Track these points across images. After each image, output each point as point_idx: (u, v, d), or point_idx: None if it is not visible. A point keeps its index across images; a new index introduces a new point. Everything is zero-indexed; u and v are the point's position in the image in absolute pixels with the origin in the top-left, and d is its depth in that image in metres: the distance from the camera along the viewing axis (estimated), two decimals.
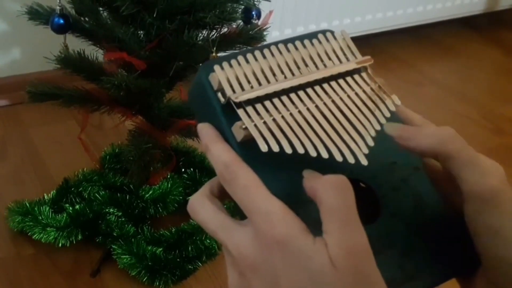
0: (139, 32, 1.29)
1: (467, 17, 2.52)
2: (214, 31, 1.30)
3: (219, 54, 1.28)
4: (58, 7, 1.25)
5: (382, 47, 2.38)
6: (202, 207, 0.50)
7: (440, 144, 0.50)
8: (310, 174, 0.48)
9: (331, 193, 0.44)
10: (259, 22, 1.35)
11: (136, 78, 1.25)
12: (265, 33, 1.34)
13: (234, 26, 1.32)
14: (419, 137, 0.51)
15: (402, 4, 2.28)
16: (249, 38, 1.33)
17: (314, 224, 0.45)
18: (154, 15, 1.23)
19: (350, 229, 0.44)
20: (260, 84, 0.50)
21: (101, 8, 1.28)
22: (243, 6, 1.32)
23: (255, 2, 1.34)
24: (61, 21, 1.25)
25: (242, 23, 1.34)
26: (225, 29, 1.31)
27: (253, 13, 1.34)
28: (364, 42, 2.22)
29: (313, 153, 0.48)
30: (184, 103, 1.42)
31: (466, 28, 2.61)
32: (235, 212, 0.49)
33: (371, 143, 0.50)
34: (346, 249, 0.43)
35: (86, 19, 1.30)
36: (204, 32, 1.30)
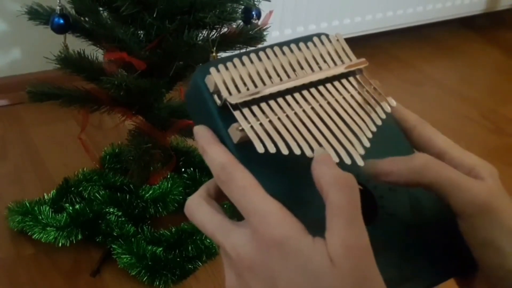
0: (139, 32, 1.29)
1: (467, 17, 2.52)
2: (214, 31, 1.30)
3: (219, 54, 1.28)
4: (58, 7, 1.25)
5: (382, 47, 2.38)
6: (199, 209, 0.50)
7: (417, 176, 0.50)
8: (321, 157, 0.47)
9: (338, 190, 0.45)
10: (259, 22, 1.35)
11: (136, 78, 1.25)
12: (265, 33, 1.34)
13: (234, 26, 1.32)
14: (395, 173, 0.51)
15: (402, 4, 2.27)
16: (249, 38, 1.33)
17: (311, 225, 0.45)
18: (154, 15, 1.23)
19: (353, 227, 0.44)
20: (256, 86, 0.51)
21: (101, 8, 1.28)
22: (243, 6, 1.32)
23: (255, 2, 1.34)
24: (61, 21, 1.25)
25: (242, 23, 1.34)
26: (225, 29, 1.31)
27: (253, 13, 1.34)
28: (364, 42, 2.22)
29: (310, 154, 0.48)
30: (184, 103, 1.42)
31: (466, 28, 2.61)
32: (233, 213, 0.49)
33: (367, 144, 0.50)
34: (347, 248, 0.43)
35: (86, 19, 1.29)
36: (204, 32, 1.30)
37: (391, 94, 0.54)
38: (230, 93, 0.50)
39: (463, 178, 0.50)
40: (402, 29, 2.36)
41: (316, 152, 0.48)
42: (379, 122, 0.52)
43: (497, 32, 2.63)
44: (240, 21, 1.32)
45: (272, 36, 1.84)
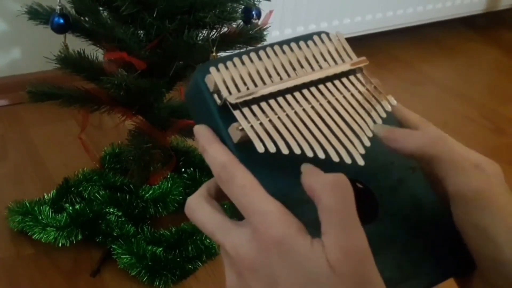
0: (139, 32, 1.29)
1: (467, 17, 2.52)
2: (214, 31, 1.30)
3: (219, 54, 1.28)
4: (58, 7, 1.25)
5: (382, 47, 2.38)
6: (199, 208, 0.50)
7: (425, 146, 0.51)
8: (308, 170, 0.48)
9: (330, 193, 0.44)
10: (259, 22, 1.35)
11: (136, 78, 1.25)
12: (265, 33, 1.34)
13: (234, 26, 1.32)
14: (405, 139, 0.52)
15: (402, 4, 2.27)
16: (249, 38, 1.33)
17: (311, 225, 0.45)
18: (154, 15, 1.23)
19: (349, 230, 0.44)
20: (256, 85, 0.51)
21: (101, 8, 1.28)
22: (243, 6, 1.32)
23: (255, 2, 1.34)
24: (61, 20, 1.25)
25: (242, 23, 1.34)
26: (225, 29, 1.31)
27: (253, 13, 1.34)
28: (364, 42, 2.22)
29: (310, 154, 0.48)
30: (184, 103, 1.42)
31: (466, 28, 2.61)
32: (233, 213, 0.49)
33: (367, 143, 0.50)
34: (344, 251, 0.43)
35: (86, 18, 1.30)
36: (204, 32, 1.30)
37: (391, 94, 0.54)
38: (230, 93, 0.50)
39: (472, 159, 0.51)
40: (402, 29, 2.36)
41: (303, 167, 0.48)
42: (379, 121, 0.52)
43: (497, 32, 2.63)
44: (240, 21, 1.32)
45: (272, 35, 1.84)
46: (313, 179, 0.46)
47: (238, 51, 1.18)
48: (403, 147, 0.52)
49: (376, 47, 2.35)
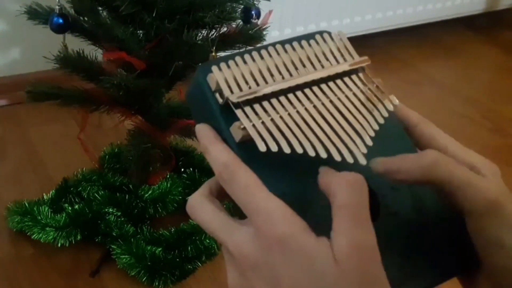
0: (138, 31, 1.29)
1: (467, 17, 2.52)
2: (214, 30, 1.30)
3: (218, 54, 1.28)
4: (57, 7, 1.25)
5: (382, 47, 2.38)
6: (201, 207, 0.50)
7: (427, 173, 0.50)
8: (326, 170, 0.48)
9: (347, 190, 0.45)
10: (259, 22, 1.35)
11: (136, 78, 1.25)
12: (264, 32, 1.34)
13: (233, 25, 1.32)
14: (404, 171, 0.50)
15: (402, 4, 2.28)
16: (249, 38, 1.33)
17: (314, 223, 0.45)
18: (154, 15, 1.23)
19: (361, 227, 0.44)
20: (258, 84, 0.50)
21: (100, 8, 1.28)
22: (242, 6, 1.32)
23: (255, 2, 1.34)
24: (60, 20, 1.25)
25: (241, 23, 1.34)
26: (225, 29, 1.31)
27: (253, 12, 1.34)
28: (364, 42, 2.22)
29: (312, 153, 0.48)
30: (183, 103, 1.42)
31: (466, 28, 2.61)
32: (234, 212, 0.49)
33: (369, 142, 0.50)
34: (353, 247, 0.43)
35: (85, 18, 1.29)
36: (203, 32, 1.30)
37: (391, 94, 0.54)
38: (232, 92, 0.49)
39: (473, 175, 0.50)
40: (402, 29, 2.36)
41: (320, 170, 0.48)
42: (381, 121, 0.52)
43: (497, 32, 2.63)
44: (239, 20, 1.32)
45: (272, 35, 1.84)
46: (331, 176, 0.46)
47: (237, 51, 1.19)
48: (405, 179, 0.50)
49: (376, 47, 2.35)
